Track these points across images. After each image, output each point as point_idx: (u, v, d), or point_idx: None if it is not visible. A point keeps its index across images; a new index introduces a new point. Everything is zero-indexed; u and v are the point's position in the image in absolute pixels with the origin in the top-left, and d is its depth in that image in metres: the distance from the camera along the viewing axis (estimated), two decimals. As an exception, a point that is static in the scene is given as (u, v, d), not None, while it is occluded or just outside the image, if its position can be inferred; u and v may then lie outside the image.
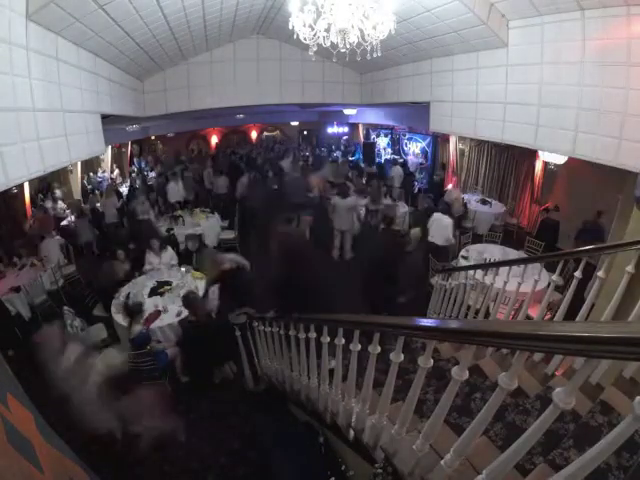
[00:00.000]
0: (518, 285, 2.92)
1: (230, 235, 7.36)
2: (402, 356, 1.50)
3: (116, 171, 12.23)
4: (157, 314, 4.18)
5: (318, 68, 6.72)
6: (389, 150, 13.27)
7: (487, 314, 3.41)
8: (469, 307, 3.69)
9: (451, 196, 7.87)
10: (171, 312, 4.30)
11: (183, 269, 5.24)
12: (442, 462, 1.30)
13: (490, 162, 9.16)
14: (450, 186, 9.82)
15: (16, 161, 2.48)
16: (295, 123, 15.68)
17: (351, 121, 13.63)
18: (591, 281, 2.98)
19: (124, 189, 10.59)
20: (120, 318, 4.23)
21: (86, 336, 4.13)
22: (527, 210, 8.34)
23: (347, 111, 10.98)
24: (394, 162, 11.04)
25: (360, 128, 14.54)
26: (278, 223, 4.16)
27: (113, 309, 4.45)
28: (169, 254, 5.56)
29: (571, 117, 3.49)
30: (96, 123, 4.04)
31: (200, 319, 3.53)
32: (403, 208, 8.11)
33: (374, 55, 2.72)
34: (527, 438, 1.00)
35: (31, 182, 7.77)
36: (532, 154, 7.53)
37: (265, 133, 17.22)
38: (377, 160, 13.25)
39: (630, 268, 2.06)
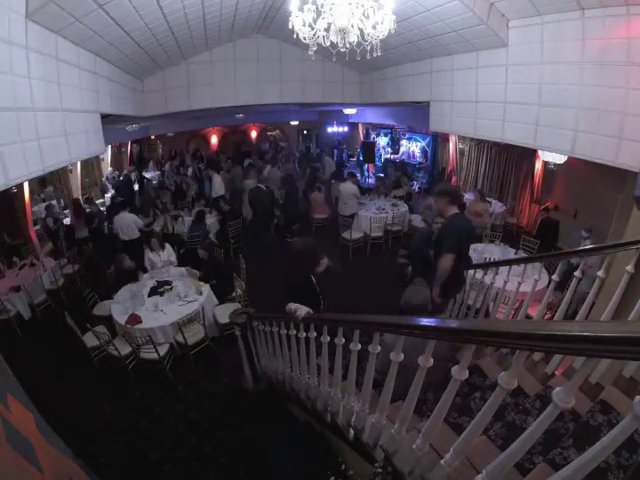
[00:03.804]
0: (518, 284, 2.92)
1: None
2: (402, 355, 1.50)
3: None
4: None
5: (318, 67, 6.72)
6: (389, 149, 13.29)
7: (487, 314, 3.41)
8: (469, 306, 3.69)
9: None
10: (170, 313, 4.30)
11: (184, 269, 5.26)
12: (442, 461, 1.31)
13: (490, 161, 9.16)
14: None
15: (16, 161, 2.48)
16: (295, 123, 15.69)
17: (351, 121, 13.64)
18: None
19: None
20: (120, 318, 4.24)
21: None
22: (527, 209, 8.34)
23: (347, 110, 10.99)
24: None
25: (360, 128, 14.54)
26: None
27: (113, 308, 4.46)
28: (168, 252, 5.58)
29: (571, 117, 3.49)
30: (96, 123, 4.03)
31: None
32: (403, 207, 8.12)
33: (374, 55, 2.71)
34: (527, 437, 1.00)
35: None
36: (532, 153, 7.53)
37: (268, 132, 17.25)
38: (377, 159, 13.29)
39: (630, 268, 2.06)
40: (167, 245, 5.73)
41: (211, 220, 7.55)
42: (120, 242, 6.47)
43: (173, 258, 5.64)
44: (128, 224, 6.45)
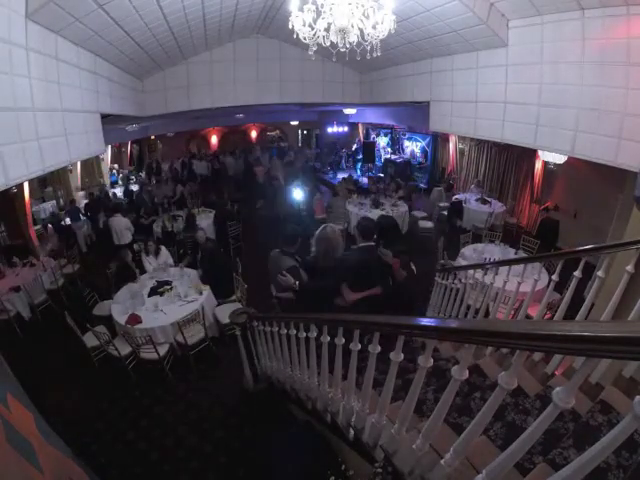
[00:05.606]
0: (518, 284, 2.92)
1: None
2: (402, 355, 1.50)
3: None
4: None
5: (318, 68, 6.72)
6: (389, 149, 13.29)
7: (487, 313, 3.41)
8: (469, 306, 3.69)
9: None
10: (170, 313, 4.30)
11: (184, 269, 5.25)
12: (442, 461, 1.31)
13: (490, 161, 9.17)
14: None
15: (16, 161, 2.48)
16: (295, 123, 15.69)
17: (351, 120, 13.64)
18: (591, 281, 2.98)
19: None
20: (120, 318, 4.24)
21: None
22: (527, 209, 8.35)
23: (347, 110, 10.99)
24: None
25: (360, 127, 14.54)
26: None
27: (113, 308, 4.46)
28: (164, 255, 5.59)
29: (571, 117, 3.49)
30: (96, 123, 4.03)
31: None
32: (403, 207, 8.14)
33: (374, 55, 2.71)
34: (527, 437, 1.00)
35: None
36: (532, 153, 7.54)
37: (268, 132, 17.26)
38: (377, 159, 13.31)
39: (630, 268, 2.06)
40: (162, 248, 5.73)
41: (207, 222, 7.56)
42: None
43: (170, 260, 5.64)
44: (121, 228, 6.51)
